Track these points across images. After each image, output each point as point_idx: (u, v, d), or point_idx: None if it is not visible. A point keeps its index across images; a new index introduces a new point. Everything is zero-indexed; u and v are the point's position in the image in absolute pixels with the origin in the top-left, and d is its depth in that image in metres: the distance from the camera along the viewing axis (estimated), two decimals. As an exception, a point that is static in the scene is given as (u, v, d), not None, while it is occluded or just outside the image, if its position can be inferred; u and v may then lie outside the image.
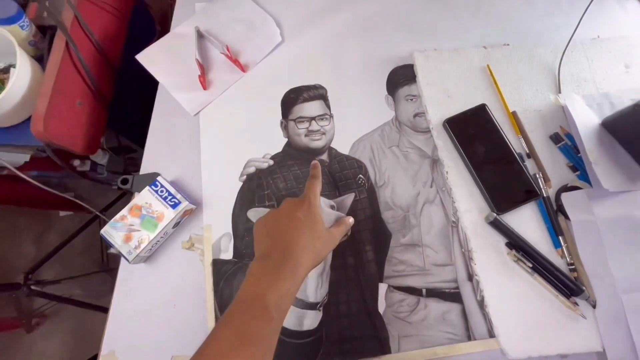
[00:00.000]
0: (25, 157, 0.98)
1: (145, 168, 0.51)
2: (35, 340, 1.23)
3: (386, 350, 0.44)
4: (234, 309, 0.33)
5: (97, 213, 0.80)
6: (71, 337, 1.21)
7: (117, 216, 0.45)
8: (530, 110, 0.52)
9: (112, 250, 0.44)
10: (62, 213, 1.30)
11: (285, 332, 0.44)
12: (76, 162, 1.12)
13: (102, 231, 0.44)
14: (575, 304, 0.44)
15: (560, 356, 0.44)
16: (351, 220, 0.44)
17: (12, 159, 0.97)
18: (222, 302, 0.45)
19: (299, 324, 0.45)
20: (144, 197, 0.46)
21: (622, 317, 0.43)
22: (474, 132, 0.50)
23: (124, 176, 0.50)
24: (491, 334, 0.44)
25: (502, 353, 0.43)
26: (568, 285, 0.44)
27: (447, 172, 0.50)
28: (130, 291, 0.46)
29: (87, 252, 1.25)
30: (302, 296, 0.46)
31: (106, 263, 1.05)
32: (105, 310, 0.46)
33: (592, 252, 0.45)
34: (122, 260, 0.46)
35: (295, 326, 0.45)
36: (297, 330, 0.44)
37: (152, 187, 0.46)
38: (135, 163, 0.66)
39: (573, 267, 0.45)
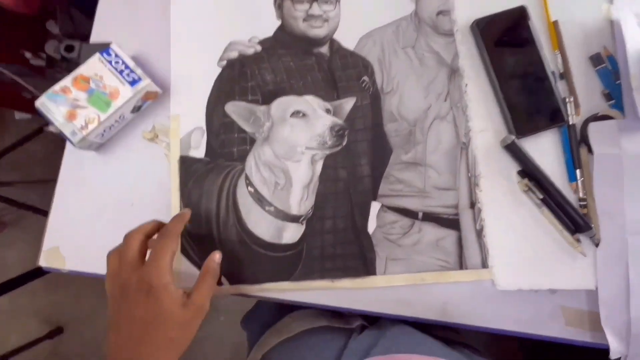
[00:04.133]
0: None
1: (97, 36, 0.41)
2: (-6, 248, 1.17)
3: (371, 271, 0.40)
4: None
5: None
6: (34, 247, 1.15)
7: (57, 86, 0.35)
8: (574, 22, 0.44)
9: (51, 129, 0.35)
10: (17, 116, 1.16)
11: (261, 243, 0.39)
12: (28, 54, 0.96)
13: (38, 103, 0.35)
14: (578, 240, 0.41)
15: (550, 291, 0.42)
16: (217, 258, 0.35)
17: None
18: (190, 204, 0.39)
19: (278, 236, 0.40)
20: (93, 67, 0.36)
21: (624, 258, 0.40)
22: (506, 40, 0.42)
23: (69, 42, 0.39)
24: (484, 265, 0.41)
25: (493, 284, 0.41)
26: (576, 221, 0.40)
27: (466, 84, 0.42)
28: (79, 182, 0.39)
29: (48, 161, 1.14)
30: (283, 207, 0.40)
31: (68, 173, 0.96)
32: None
33: (608, 188, 0.41)
34: (67, 144, 0.38)
35: (274, 238, 0.39)
36: (274, 242, 0.39)
37: (104, 55, 0.36)
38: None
39: (584, 203, 0.41)
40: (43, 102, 0.35)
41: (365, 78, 0.42)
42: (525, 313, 0.41)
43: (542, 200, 0.40)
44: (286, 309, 0.52)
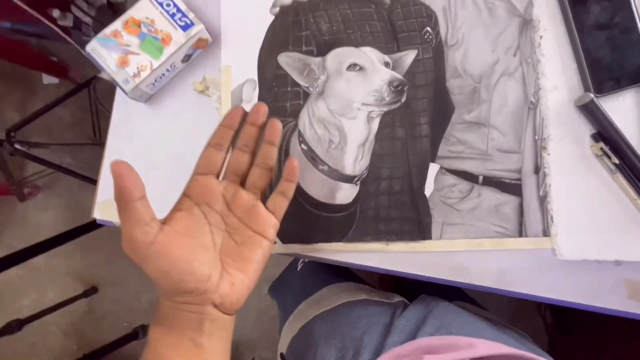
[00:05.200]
0: (-10, -10, 0.80)
1: (144, -20, 0.38)
2: (29, 210, 1.21)
3: (426, 235, 0.38)
4: None
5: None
6: (67, 210, 1.20)
7: (108, 30, 0.33)
8: (670, -34, 0.39)
9: (102, 75, 0.34)
10: (45, 80, 1.16)
11: (314, 203, 0.38)
12: (56, 13, 0.94)
13: (88, 47, 0.33)
14: (653, 210, 0.38)
15: (615, 263, 0.39)
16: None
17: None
18: (242, 161, 0.37)
19: (331, 196, 0.38)
20: (144, 10, 0.34)
21: (702, 230, 0.37)
22: (591, -15, 0.37)
23: (116, -16, 0.37)
24: (545, 233, 0.39)
25: (553, 253, 0.39)
26: (653, 189, 0.37)
27: (540, 36, 0.38)
28: (130, 135, 0.38)
29: (77, 126, 1.15)
30: (337, 166, 0.38)
31: (99, 137, 0.96)
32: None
33: (693, 155, 0.37)
34: (117, 93, 0.36)
35: (327, 198, 0.38)
36: (328, 202, 0.38)
37: (155, -3, 0.34)
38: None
39: (664, 170, 0.38)
40: (94, 47, 0.33)
41: (428, 29, 0.39)
42: (586, 284, 0.39)
43: (617, 165, 0.37)
44: (318, 279, 0.51)
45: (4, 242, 1.21)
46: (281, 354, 0.43)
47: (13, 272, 0.95)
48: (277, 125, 0.30)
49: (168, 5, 0.34)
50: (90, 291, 1.15)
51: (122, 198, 0.25)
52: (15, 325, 0.81)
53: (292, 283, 0.53)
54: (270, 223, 0.30)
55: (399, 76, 0.38)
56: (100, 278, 1.20)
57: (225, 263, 0.27)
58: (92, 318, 1.20)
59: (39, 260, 1.21)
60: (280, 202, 0.31)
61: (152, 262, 0.25)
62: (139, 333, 0.94)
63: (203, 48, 0.37)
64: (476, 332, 0.34)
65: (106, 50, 0.33)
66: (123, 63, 0.33)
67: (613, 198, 0.38)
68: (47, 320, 1.05)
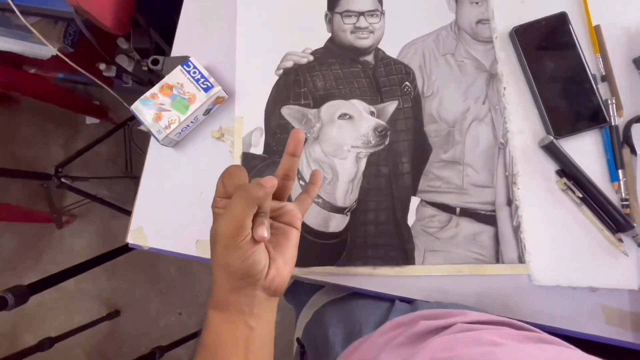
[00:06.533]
0: (52, 51, 0.96)
1: (177, 51, 0.48)
2: (65, 236, 1.32)
3: (410, 261, 0.43)
4: None
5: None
6: (98, 237, 1.30)
7: (148, 93, 0.42)
8: (617, 26, 0.45)
9: (141, 128, 0.42)
10: (88, 121, 1.32)
11: (310, 231, 0.44)
12: (102, 66, 1.09)
13: (132, 107, 0.42)
14: (620, 240, 0.41)
15: (590, 289, 0.42)
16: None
17: (39, 51, 0.95)
18: (249, 195, 0.45)
19: (325, 225, 0.44)
20: (176, 77, 0.43)
21: (669, 259, 0.40)
22: (546, 45, 0.44)
23: (155, 56, 0.47)
24: (521, 261, 0.43)
25: (529, 279, 0.42)
26: (617, 221, 0.41)
27: (504, 88, 0.45)
28: (159, 173, 0.46)
29: (112, 161, 1.28)
30: (330, 199, 0.44)
31: (130, 171, 1.08)
32: (130, 213, 0.46)
33: (652, 189, 0.41)
34: (152, 140, 0.45)
35: (321, 227, 0.44)
36: (322, 231, 0.44)
37: (184, 67, 0.43)
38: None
39: (627, 203, 0.42)
40: (137, 106, 0.42)
41: (407, 83, 0.46)
42: (564, 310, 0.42)
43: (582, 199, 0.41)
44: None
45: (40, 266, 1.32)
46: (297, 339, 0.47)
47: (46, 294, 1.03)
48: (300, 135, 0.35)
49: (194, 72, 0.43)
50: (113, 314, 1.22)
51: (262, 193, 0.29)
52: (47, 343, 0.88)
53: (303, 284, 0.57)
54: (297, 215, 0.35)
55: (383, 123, 0.45)
56: (122, 302, 1.28)
57: (269, 252, 0.32)
58: (114, 341, 1.26)
59: (70, 283, 1.31)
60: (305, 198, 0.36)
61: (234, 248, 0.29)
62: (156, 354, 0.99)
63: (220, 103, 0.46)
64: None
65: (145, 109, 0.42)
66: (158, 118, 0.42)
67: (581, 228, 0.42)
68: (73, 342, 1.11)
